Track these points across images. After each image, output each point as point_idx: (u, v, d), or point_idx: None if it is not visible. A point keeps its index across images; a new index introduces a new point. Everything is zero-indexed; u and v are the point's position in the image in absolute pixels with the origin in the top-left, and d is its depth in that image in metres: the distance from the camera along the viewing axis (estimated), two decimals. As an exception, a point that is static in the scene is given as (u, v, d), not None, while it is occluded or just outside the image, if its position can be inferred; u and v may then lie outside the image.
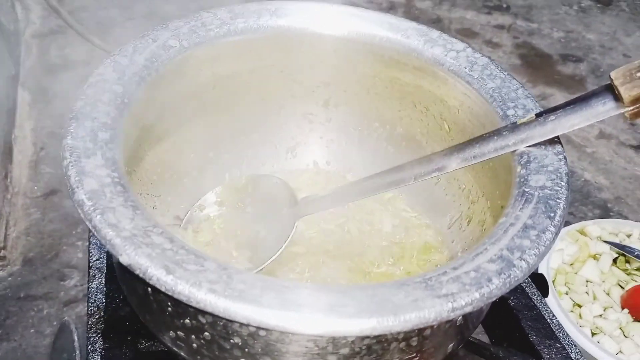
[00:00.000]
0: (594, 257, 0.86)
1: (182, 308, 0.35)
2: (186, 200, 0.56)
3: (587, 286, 0.83)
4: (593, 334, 0.77)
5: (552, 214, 0.36)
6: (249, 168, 0.62)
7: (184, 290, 0.29)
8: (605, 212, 1.13)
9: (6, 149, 1.11)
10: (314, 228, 0.58)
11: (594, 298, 0.81)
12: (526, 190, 0.39)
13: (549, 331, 0.55)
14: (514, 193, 0.39)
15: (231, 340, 0.35)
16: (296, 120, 0.62)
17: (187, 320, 0.36)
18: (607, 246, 0.86)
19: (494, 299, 0.32)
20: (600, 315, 0.79)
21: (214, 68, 0.52)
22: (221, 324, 0.34)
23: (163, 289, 0.30)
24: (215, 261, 0.31)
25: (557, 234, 0.36)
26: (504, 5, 1.82)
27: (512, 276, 0.32)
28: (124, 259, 0.30)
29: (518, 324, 0.56)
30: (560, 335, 0.55)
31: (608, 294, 0.81)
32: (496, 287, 0.32)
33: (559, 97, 1.45)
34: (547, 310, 0.57)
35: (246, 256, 0.53)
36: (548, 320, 0.56)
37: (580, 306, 0.80)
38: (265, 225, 0.56)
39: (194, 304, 0.29)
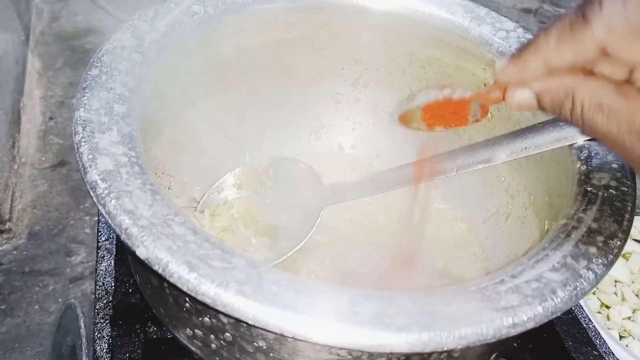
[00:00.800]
0: (624, 257, 0.82)
1: (202, 306, 0.32)
2: (203, 181, 0.53)
3: (615, 286, 0.79)
4: (621, 337, 0.74)
5: (619, 218, 0.32)
6: (270, 149, 0.58)
7: (209, 291, 0.26)
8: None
9: (14, 117, 1.07)
10: (337, 216, 0.54)
11: (623, 299, 0.77)
12: (588, 189, 0.35)
13: (586, 337, 0.51)
14: (574, 191, 0.35)
15: (255, 344, 0.31)
16: (322, 99, 0.58)
17: (206, 319, 0.32)
18: (638, 245, 0.82)
19: (558, 314, 0.28)
20: (629, 318, 0.75)
21: (239, 39, 0.47)
22: (245, 325, 0.31)
23: (185, 289, 0.26)
24: (244, 257, 0.27)
25: (626, 240, 0.32)
26: (531, -12, 1.75)
27: (578, 288, 0.29)
28: (141, 252, 0.27)
29: (552, 327, 0.52)
30: (597, 342, 0.51)
31: (637, 296, 0.78)
32: (561, 300, 0.28)
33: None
34: (582, 314, 0.54)
35: (266, 244, 0.50)
36: (584, 324, 0.53)
37: (608, 307, 0.76)
38: (287, 212, 0.52)
39: (219, 308, 0.26)
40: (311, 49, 0.53)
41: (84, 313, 0.55)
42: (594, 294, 0.78)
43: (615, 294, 0.78)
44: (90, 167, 0.30)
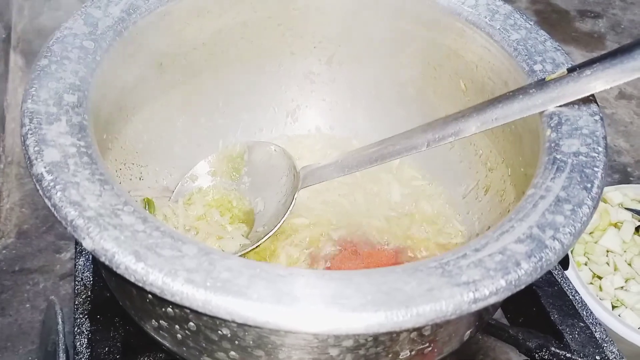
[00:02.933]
0: (615, 226, 0.81)
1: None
2: (177, 170, 0.52)
3: (607, 256, 0.78)
4: (614, 307, 0.73)
5: (589, 185, 0.31)
6: (245, 134, 0.56)
7: (157, 280, 0.25)
8: (625, 177, 1.08)
9: (-3, 116, 1.06)
10: (316, 198, 0.53)
11: (615, 269, 0.76)
12: (558, 156, 0.33)
13: (572, 309, 0.51)
14: (544, 160, 0.34)
15: (219, 332, 0.31)
16: (296, 80, 0.57)
17: (169, 309, 0.31)
18: (629, 214, 0.81)
19: (522, 287, 0.27)
20: (622, 287, 0.74)
21: (202, 21, 0.46)
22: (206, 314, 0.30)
23: (132, 279, 0.25)
24: (196, 245, 0.27)
25: (595, 208, 0.31)
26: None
27: (544, 259, 0.28)
28: (87, 244, 0.26)
29: (538, 301, 0.51)
30: (584, 313, 0.51)
31: (630, 265, 0.77)
32: (525, 272, 0.27)
33: (577, 55, 1.37)
34: (569, 285, 0.53)
35: (242, 231, 0.49)
36: (570, 296, 0.52)
37: (600, 278, 0.76)
38: (262, 197, 0.51)
39: (168, 297, 0.25)
40: (280, 28, 0.51)
41: (63, 317, 0.54)
42: (585, 264, 0.77)
43: (608, 264, 0.77)
44: (37, 159, 0.29)
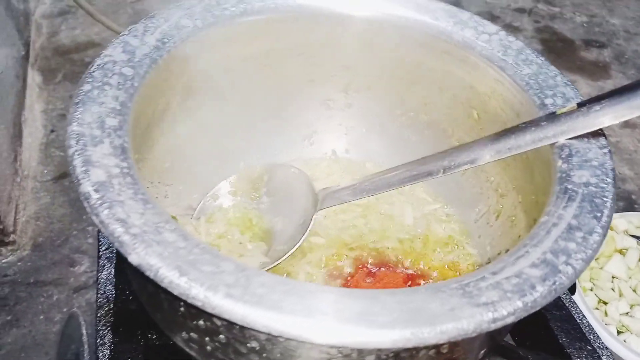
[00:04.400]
0: (620, 252, 0.83)
1: (196, 309, 0.33)
2: (199, 189, 0.54)
3: (613, 282, 0.79)
4: (619, 333, 0.74)
5: (598, 214, 0.33)
6: (264, 156, 0.59)
7: (199, 294, 0.27)
8: (629, 205, 1.09)
9: (16, 131, 1.09)
10: (332, 219, 0.55)
11: (620, 295, 0.78)
12: (569, 186, 0.35)
13: (579, 332, 0.52)
14: (555, 189, 0.36)
15: (248, 345, 0.32)
16: (314, 106, 0.59)
17: (200, 322, 0.33)
18: (634, 240, 0.83)
19: (538, 309, 0.29)
20: (627, 313, 0.76)
21: (229, 50, 0.49)
22: (237, 327, 0.32)
23: (176, 293, 0.27)
24: (233, 261, 0.29)
25: (604, 235, 0.33)
26: (525, -12, 1.76)
27: (557, 283, 0.29)
28: (133, 259, 0.28)
29: (546, 324, 0.53)
30: (591, 337, 0.52)
31: (635, 291, 0.78)
32: (540, 295, 0.29)
33: (582, 84, 1.40)
34: (576, 309, 0.54)
35: (262, 249, 0.51)
36: (578, 320, 0.53)
37: (605, 303, 0.77)
38: (281, 217, 0.53)
39: (209, 310, 0.27)
40: (301, 57, 0.54)
41: (87, 321, 0.56)
42: (591, 290, 0.79)
43: (613, 289, 0.79)
44: (84, 178, 0.31)
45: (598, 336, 0.52)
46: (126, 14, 1.48)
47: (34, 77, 1.30)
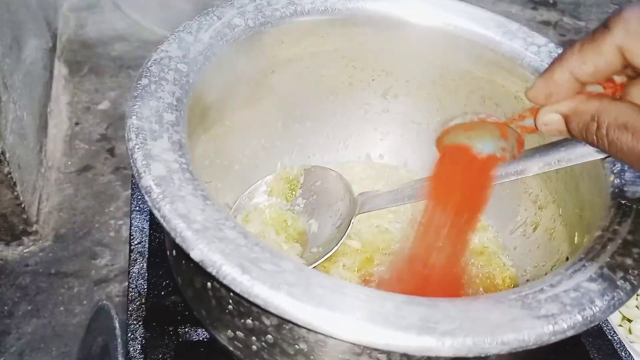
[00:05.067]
0: (646, 270, 0.82)
1: (245, 307, 0.33)
2: (236, 188, 0.54)
3: (637, 300, 0.79)
4: (643, 351, 0.74)
5: (654, 231, 0.33)
6: (299, 157, 0.59)
7: (262, 293, 0.27)
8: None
9: (42, 122, 1.10)
10: (365, 223, 0.55)
11: (645, 313, 0.77)
12: (622, 202, 0.35)
13: (611, 349, 0.52)
14: (608, 204, 0.36)
15: (296, 346, 0.32)
16: (351, 109, 0.59)
17: (249, 321, 0.33)
18: (660, 259, 0.82)
19: (597, 323, 0.28)
20: (652, 332, 0.75)
21: (276, 50, 0.49)
22: (287, 327, 0.32)
23: (238, 290, 0.27)
24: (292, 261, 0.29)
25: (660, 253, 0.32)
26: (551, 1, 1.76)
27: (616, 298, 0.29)
28: (195, 254, 0.28)
29: (578, 339, 0.53)
30: (623, 354, 0.52)
31: (660, 310, 0.77)
32: (600, 309, 0.29)
33: (606, 99, 1.39)
34: (607, 325, 0.54)
35: (297, 250, 0.51)
36: (609, 337, 0.53)
37: (630, 320, 0.76)
38: (316, 219, 0.53)
39: (271, 309, 0.27)
40: (344, 60, 0.54)
41: (119, 322, 0.56)
42: (615, 307, 0.78)
43: (637, 307, 0.78)
44: (145, 172, 0.31)
45: (630, 353, 0.52)
46: (153, 9, 1.49)
47: (60, 70, 1.31)
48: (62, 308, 0.88)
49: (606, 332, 0.54)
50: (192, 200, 0.30)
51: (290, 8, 0.47)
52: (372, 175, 0.60)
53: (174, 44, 0.40)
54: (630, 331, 0.75)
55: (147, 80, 0.37)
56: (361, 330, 0.26)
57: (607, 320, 0.55)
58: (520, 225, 0.52)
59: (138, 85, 0.36)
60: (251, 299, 0.27)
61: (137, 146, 0.32)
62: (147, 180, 0.31)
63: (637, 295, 0.80)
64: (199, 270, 0.31)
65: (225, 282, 0.27)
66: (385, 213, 0.56)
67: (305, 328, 0.27)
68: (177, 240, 0.29)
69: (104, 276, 0.92)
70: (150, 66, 0.38)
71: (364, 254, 0.52)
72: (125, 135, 0.33)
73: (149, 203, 0.30)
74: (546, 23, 1.66)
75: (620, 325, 0.76)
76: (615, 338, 0.53)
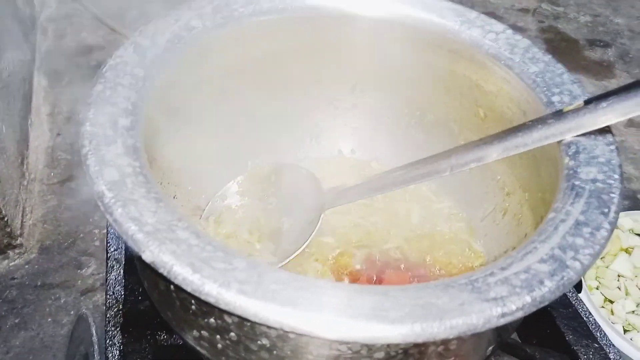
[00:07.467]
0: (626, 251, 0.83)
1: (207, 307, 0.33)
2: (207, 189, 0.54)
3: (618, 281, 0.80)
4: (625, 331, 0.74)
5: (606, 210, 0.34)
6: (271, 156, 0.59)
7: (212, 290, 0.27)
8: (635, 204, 1.09)
9: (22, 134, 1.10)
10: (338, 218, 0.55)
11: (627, 293, 0.78)
12: (576, 183, 0.36)
13: (586, 330, 0.53)
14: (563, 186, 0.36)
15: (259, 342, 0.33)
16: (320, 106, 0.60)
17: (212, 320, 0.34)
18: (640, 239, 0.83)
19: (546, 304, 0.29)
20: (633, 312, 0.76)
21: (238, 51, 0.49)
22: (248, 324, 0.32)
23: (189, 289, 0.27)
24: (245, 259, 0.29)
25: (612, 231, 0.33)
26: (529, -12, 1.76)
27: (565, 278, 0.30)
28: (147, 256, 0.28)
29: (553, 322, 0.53)
30: (598, 334, 0.52)
31: (641, 289, 0.78)
32: (549, 290, 0.29)
33: (586, 83, 1.40)
34: (583, 307, 0.55)
35: (270, 249, 0.51)
36: (584, 318, 0.54)
37: (611, 302, 0.77)
38: (289, 216, 0.53)
39: (222, 306, 0.27)
40: (308, 57, 0.54)
41: (96, 323, 0.56)
42: (597, 288, 0.79)
43: (619, 288, 0.79)
44: (98, 178, 0.31)
45: (605, 334, 0.52)
46: (132, 17, 1.49)
47: (40, 81, 1.31)
48: (49, 319, 0.88)
49: (581, 314, 0.54)
50: (145, 203, 0.31)
51: (248, 8, 0.47)
52: (344, 171, 0.61)
53: (129, 48, 0.41)
54: (612, 312, 0.76)
55: (101, 86, 0.37)
56: (312, 322, 0.27)
57: (582, 302, 0.55)
58: (490, 212, 0.52)
59: (92, 92, 0.37)
60: (203, 298, 0.27)
61: (90, 152, 0.33)
62: (99, 186, 0.31)
63: (619, 276, 0.81)
64: (157, 273, 0.32)
65: (176, 282, 0.28)
66: (358, 207, 0.56)
67: (260, 324, 0.28)
68: (129, 243, 0.29)
69: (90, 285, 0.92)
70: (105, 72, 0.38)
71: (338, 248, 0.52)
72: (79, 142, 0.33)
73: (102, 208, 0.30)
74: (525, 10, 1.67)
75: (603, 307, 0.77)
76: (591, 319, 0.54)
